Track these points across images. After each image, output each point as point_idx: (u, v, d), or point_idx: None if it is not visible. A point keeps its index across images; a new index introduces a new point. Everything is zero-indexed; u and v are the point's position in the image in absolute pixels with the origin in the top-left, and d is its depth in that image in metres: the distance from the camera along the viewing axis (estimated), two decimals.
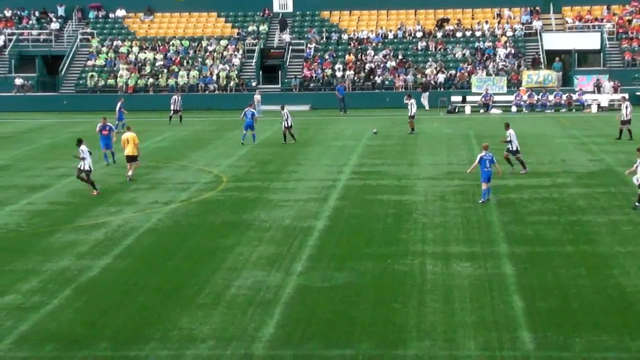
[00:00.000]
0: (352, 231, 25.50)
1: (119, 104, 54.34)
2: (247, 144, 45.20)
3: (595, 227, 25.44)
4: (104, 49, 73.96)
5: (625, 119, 44.32)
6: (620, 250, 22.76)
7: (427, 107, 64.15)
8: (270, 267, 21.53)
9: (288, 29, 74.91)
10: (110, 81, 70.53)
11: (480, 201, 28.94)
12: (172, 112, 58.69)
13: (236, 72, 70.61)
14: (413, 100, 50.40)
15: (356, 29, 75.27)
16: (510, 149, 34.66)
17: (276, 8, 77.08)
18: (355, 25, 76.02)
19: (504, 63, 69.32)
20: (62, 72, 72.31)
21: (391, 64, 70.22)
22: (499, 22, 74.21)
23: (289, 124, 45.29)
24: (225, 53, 72.75)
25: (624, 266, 21.20)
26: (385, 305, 18.54)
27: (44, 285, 20.40)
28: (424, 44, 72.72)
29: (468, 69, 68.95)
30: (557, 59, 68.97)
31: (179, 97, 59.65)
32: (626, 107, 44.49)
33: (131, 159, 34.60)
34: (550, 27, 73.62)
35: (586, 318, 17.51)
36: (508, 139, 34.67)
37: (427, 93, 65.44)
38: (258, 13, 77.02)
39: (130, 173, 34.48)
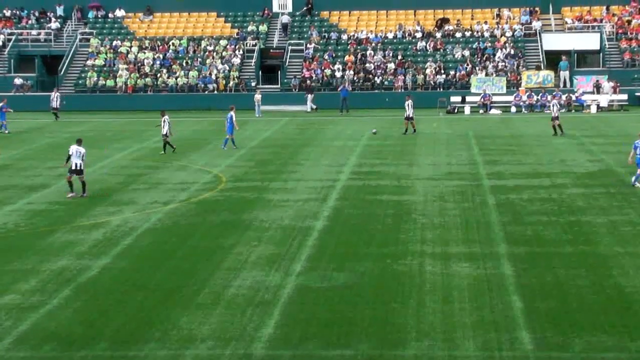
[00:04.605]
0: (352, 231, 25.47)
1: (1, 104, 54.15)
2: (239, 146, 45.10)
3: (594, 227, 25.43)
4: (103, 49, 73.90)
5: (555, 115, 47.82)
6: (620, 250, 22.75)
7: (313, 108, 65.33)
8: (269, 267, 21.52)
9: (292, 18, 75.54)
10: (110, 81, 70.52)
11: (633, 184, 31.09)
12: (52, 109, 60.98)
13: (236, 72, 70.60)
14: (410, 101, 50.29)
15: (356, 29, 75.28)
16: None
17: (276, 8, 77.07)
18: (355, 25, 76.02)
19: (504, 63, 69.33)
20: (62, 72, 72.27)
21: (390, 65, 70.19)
22: (498, 23, 74.21)
23: (165, 132, 42.37)
24: (224, 53, 72.73)
25: (623, 266, 21.19)
26: (384, 305, 18.52)
27: (43, 285, 20.38)
28: (424, 44, 72.72)
29: (467, 69, 68.96)
30: (563, 57, 68.73)
31: (57, 94, 61.24)
32: (554, 105, 48.70)
33: None
34: (549, 28, 73.63)
35: (585, 318, 17.50)
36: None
37: (312, 95, 66.15)
38: (258, 13, 77.02)
39: None
